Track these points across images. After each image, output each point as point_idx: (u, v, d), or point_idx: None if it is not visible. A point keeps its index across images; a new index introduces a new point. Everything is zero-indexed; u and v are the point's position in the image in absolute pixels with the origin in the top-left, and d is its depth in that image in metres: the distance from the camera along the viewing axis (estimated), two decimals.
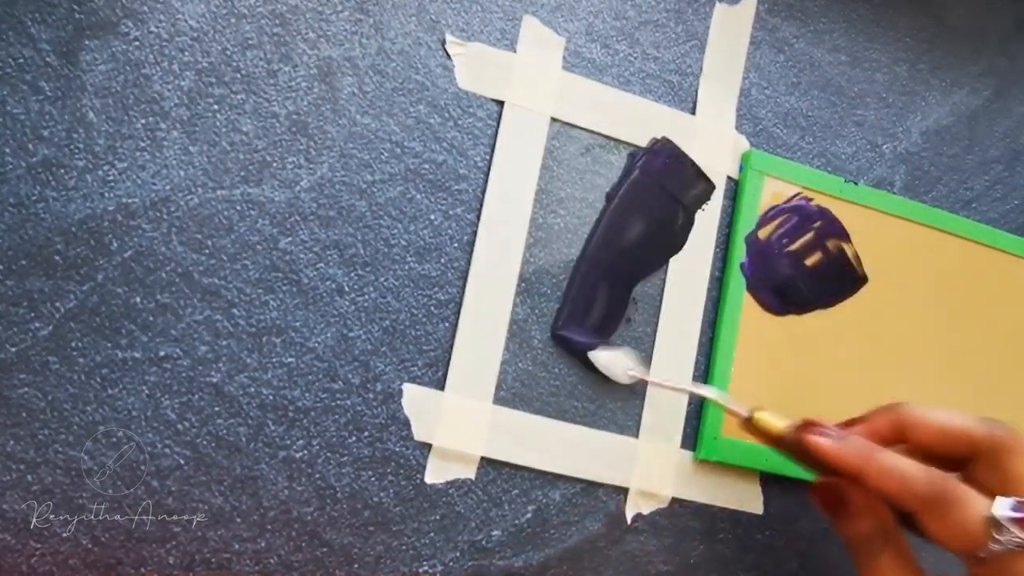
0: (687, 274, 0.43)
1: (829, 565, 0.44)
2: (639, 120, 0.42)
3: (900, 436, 0.36)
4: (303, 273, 0.37)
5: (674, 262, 0.42)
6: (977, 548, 0.32)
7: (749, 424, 0.37)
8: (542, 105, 0.41)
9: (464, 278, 0.39)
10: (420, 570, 0.38)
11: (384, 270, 0.38)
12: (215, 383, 0.36)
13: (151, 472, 0.35)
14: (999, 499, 0.32)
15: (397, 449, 0.38)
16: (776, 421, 0.37)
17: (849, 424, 0.37)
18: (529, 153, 0.40)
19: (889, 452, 0.35)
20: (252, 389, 0.37)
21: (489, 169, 0.40)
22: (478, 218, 0.40)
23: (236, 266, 0.37)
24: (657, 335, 0.42)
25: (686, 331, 0.42)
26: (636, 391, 0.41)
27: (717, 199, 0.43)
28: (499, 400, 0.39)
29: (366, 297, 0.38)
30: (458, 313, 0.39)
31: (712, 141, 0.43)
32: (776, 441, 0.37)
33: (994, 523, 0.31)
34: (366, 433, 0.38)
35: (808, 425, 0.36)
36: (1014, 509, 0.32)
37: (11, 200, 0.34)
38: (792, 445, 0.36)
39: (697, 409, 0.42)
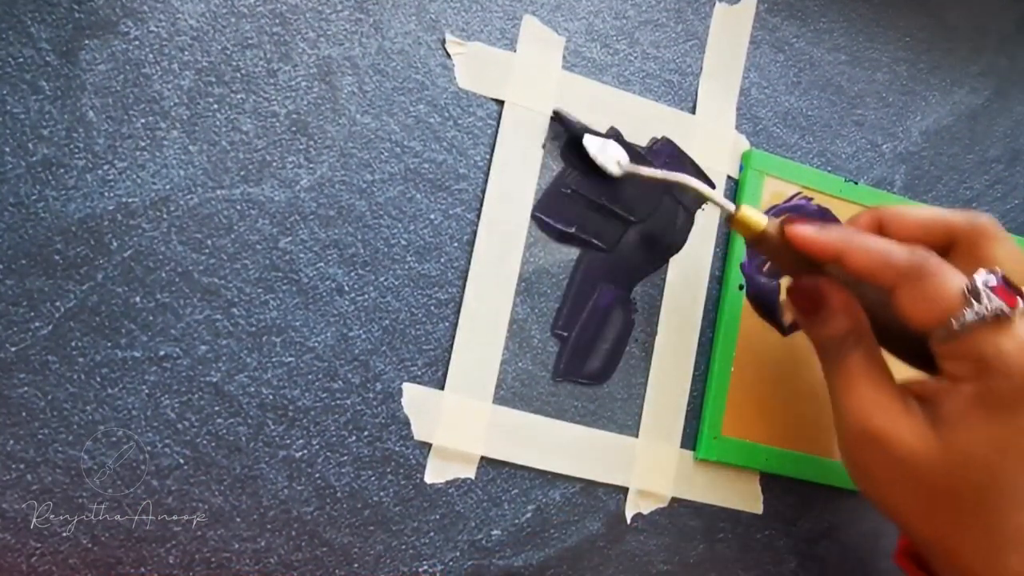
0: (687, 274, 0.43)
1: (829, 565, 0.44)
2: (639, 119, 0.42)
3: (881, 230, 0.36)
4: (303, 272, 0.37)
5: (674, 262, 0.42)
6: (951, 316, 0.31)
7: (734, 221, 0.37)
8: (542, 104, 0.41)
9: (464, 278, 0.39)
10: (420, 569, 0.38)
11: (384, 269, 0.38)
12: (215, 383, 0.36)
13: (151, 472, 0.35)
14: (980, 270, 0.32)
15: (397, 449, 0.38)
16: (759, 217, 0.37)
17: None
18: (529, 152, 0.40)
19: (870, 235, 0.35)
20: (252, 388, 0.37)
21: (489, 168, 0.40)
22: (478, 217, 0.40)
23: (236, 265, 0.37)
24: (657, 335, 0.42)
25: (686, 331, 0.42)
26: (633, 385, 0.41)
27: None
28: (499, 400, 0.39)
29: (366, 296, 0.38)
30: (458, 313, 0.39)
31: (712, 140, 0.43)
32: (759, 237, 0.37)
33: (972, 292, 0.31)
34: (366, 433, 0.38)
35: (790, 218, 0.36)
36: (993, 275, 0.32)
37: (11, 199, 0.34)
38: (774, 240, 0.36)
39: (697, 409, 0.42)
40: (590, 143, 0.40)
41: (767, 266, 0.43)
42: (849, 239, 0.34)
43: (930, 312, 0.32)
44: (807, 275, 0.37)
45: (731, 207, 0.37)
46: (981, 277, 0.32)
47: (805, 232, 0.35)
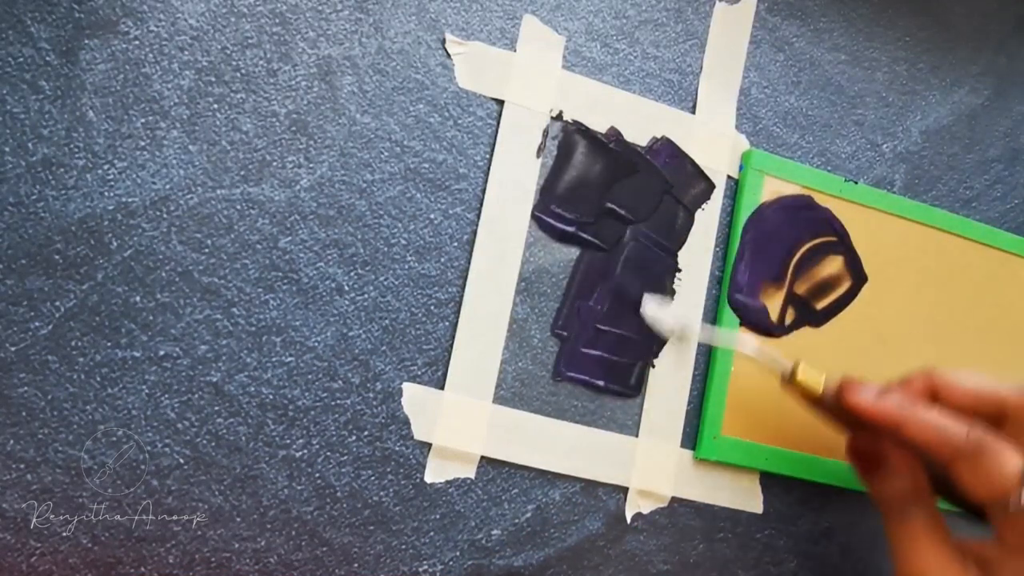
0: (687, 273, 0.43)
1: (829, 565, 0.44)
2: (639, 119, 0.42)
3: (934, 398, 0.37)
4: (303, 272, 0.37)
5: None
6: (1009, 496, 0.32)
7: (790, 383, 0.38)
8: (542, 104, 0.41)
9: (464, 277, 0.39)
10: (420, 569, 0.38)
11: (384, 269, 0.38)
12: (215, 382, 0.36)
13: (151, 471, 0.35)
14: None
15: (397, 448, 0.38)
16: (816, 379, 0.37)
17: (885, 388, 0.37)
18: (529, 152, 0.40)
19: (927, 406, 0.35)
20: (252, 388, 0.37)
21: (489, 168, 0.40)
22: (478, 217, 0.40)
23: (236, 265, 0.37)
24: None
25: (685, 330, 0.42)
26: (632, 396, 0.41)
27: (717, 198, 0.43)
28: (499, 399, 0.39)
29: (366, 296, 0.38)
30: (458, 312, 0.39)
31: (712, 140, 0.43)
32: (816, 401, 0.37)
33: None
34: (366, 432, 0.38)
35: (848, 383, 0.37)
36: None
37: (11, 199, 0.34)
38: (831, 404, 0.37)
39: (697, 408, 0.42)
40: (648, 307, 0.41)
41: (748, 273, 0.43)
42: (906, 411, 0.35)
43: (988, 489, 0.33)
44: (863, 432, 0.38)
45: (787, 367, 0.38)
46: None
47: (863, 401, 0.36)
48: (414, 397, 0.38)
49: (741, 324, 0.43)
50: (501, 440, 0.39)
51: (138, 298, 0.35)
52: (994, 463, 0.33)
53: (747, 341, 0.39)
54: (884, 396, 0.36)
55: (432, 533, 0.38)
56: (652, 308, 0.40)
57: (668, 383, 0.42)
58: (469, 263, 0.39)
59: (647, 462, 0.41)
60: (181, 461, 0.36)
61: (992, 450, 0.33)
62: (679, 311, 0.41)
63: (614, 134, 0.42)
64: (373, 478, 0.38)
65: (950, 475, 0.34)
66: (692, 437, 0.42)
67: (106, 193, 0.35)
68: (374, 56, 0.39)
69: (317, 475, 0.37)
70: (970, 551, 0.35)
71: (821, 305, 0.44)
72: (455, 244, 0.39)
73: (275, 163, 0.37)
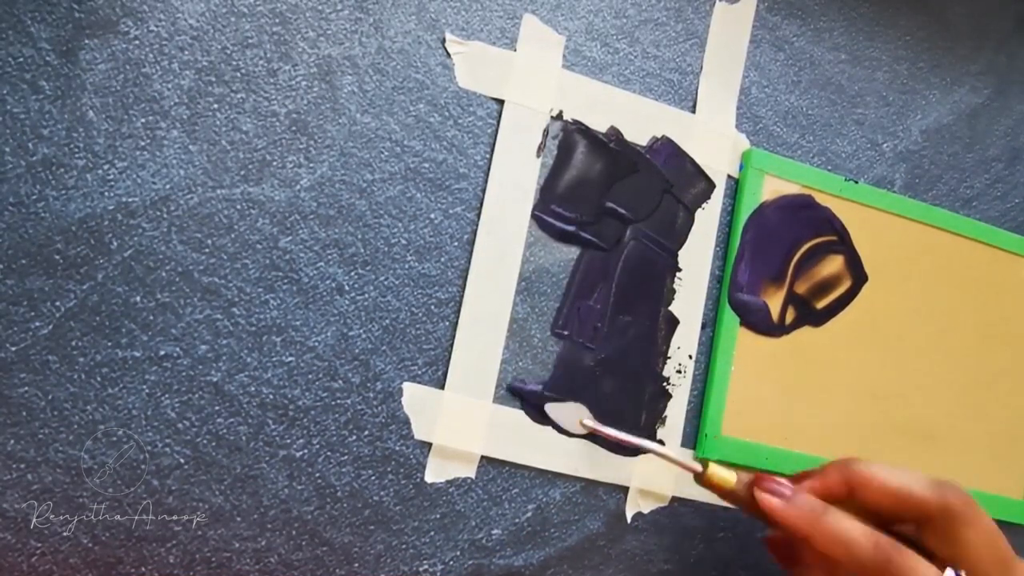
0: (687, 273, 0.43)
1: None
2: (639, 119, 0.42)
3: (851, 493, 0.36)
4: (303, 272, 0.37)
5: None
6: None
7: (703, 478, 0.37)
8: (542, 104, 0.41)
9: (464, 277, 0.39)
10: (420, 569, 0.38)
11: (384, 269, 0.38)
12: (215, 382, 0.36)
13: (151, 471, 0.35)
14: (948, 571, 0.32)
15: (397, 448, 0.38)
16: (728, 475, 0.36)
17: (801, 477, 0.37)
18: (529, 152, 0.40)
19: (837, 514, 0.34)
20: (252, 388, 0.37)
21: (489, 168, 0.40)
22: (478, 217, 0.40)
23: (236, 265, 0.37)
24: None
25: (686, 330, 0.42)
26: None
27: (717, 197, 0.43)
28: (499, 399, 0.39)
29: (366, 296, 0.38)
30: (458, 312, 0.39)
31: (712, 140, 0.43)
32: (729, 495, 0.37)
33: None
34: (366, 432, 0.38)
35: (759, 480, 0.36)
36: None
37: (11, 199, 0.34)
38: (745, 499, 0.36)
39: (697, 408, 0.42)
40: (551, 410, 0.40)
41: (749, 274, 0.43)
42: (814, 521, 0.34)
43: None
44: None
45: (698, 467, 0.37)
46: None
47: (773, 506, 0.35)
48: (414, 397, 0.38)
49: (741, 323, 0.43)
50: (501, 440, 0.39)
51: (138, 298, 0.35)
52: None
53: (654, 444, 0.38)
54: (793, 501, 0.35)
55: (432, 533, 0.38)
56: (555, 411, 0.40)
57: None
58: (469, 263, 0.39)
59: (647, 462, 0.41)
60: (181, 461, 0.36)
61: (901, 569, 0.32)
62: (580, 412, 0.40)
63: (614, 133, 0.42)
64: (373, 478, 0.38)
65: None
66: (692, 436, 0.42)
67: (106, 193, 0.35)
68: (374, 56, 0.39)
69: (317, 475, 0.37)
70: None
71: (821, 304, 0.44)
72: (455, 244, 0.39)
73: (275, 163, 0.37)
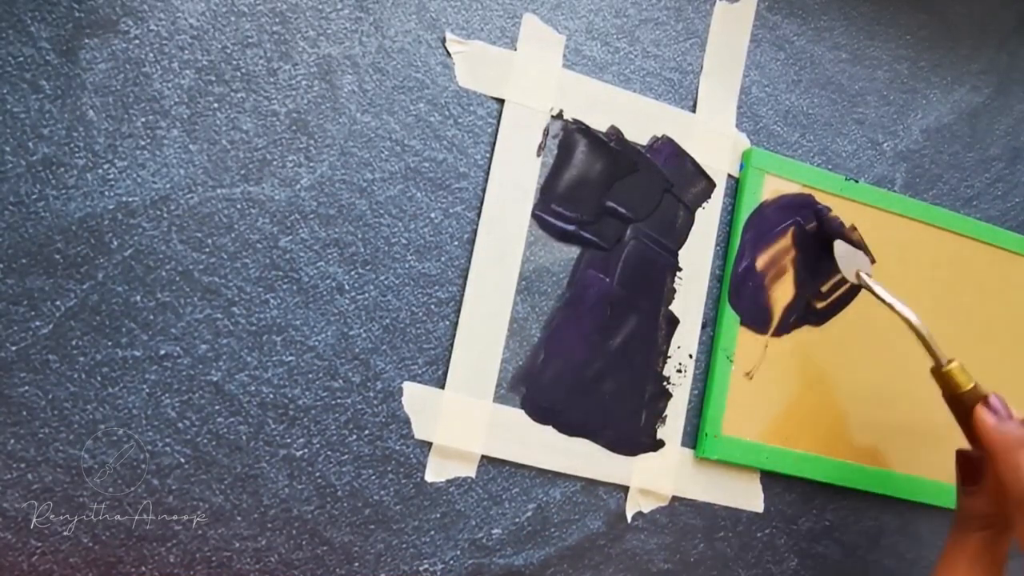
0: (688, 272, 0.43)
1: (829, 563, 0.44)
2: (639, 118, 0.42)
3: None
4: (303, 271, 0.37)
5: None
6: None
7: (938, 373, 0.38)
8: (542, 103, 0.41)
9: (464, 276, 0.39)
10: (420, 568, 0.38)
11: (384, 268, 0.38)
12: (215, 382, 0.36)
13: (151, 471, 0.35)
14: None
15: (397, 447, 0.38)
16: (966, 379, 0.38)
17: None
18: (529, 151, 0.40)
19: None
20: (252, 388, 0.37)
21: (489, 167, 0.40)
22: (478, 216, 0.40)
23: (236, 264, 0.37)
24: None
25: (686, 329, 0.42)
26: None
27: (718, 197, 0.43)
28: (499, 398, 0.39)
29: (366, 295, 0.38)
30: (458, 311, 0.39)
31: (712, 139, 0.43)
32: (955, 398, 0.38)
33: None
34: (366, 431, 0.38)
35: (990, 397, 0.37)
36: None
37: (11, 198, 0.34)
38: (966, 408, 0.37)
39: (697, 408, 0.42)
40: (839, 247, 0.42)
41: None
42: (1012, 449, 0.35)
43: None
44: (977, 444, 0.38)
45: (944, 360, 0.38)
46: None
47: (986, 421, 0.36)
48: (414, 396, 0.38)
49: (742, 323, 0.43)
50: (501, 439, 0.39)
51: (138, 297, 0.35)
52: None
53: (915, 317, 0.39)
54: (1003, 426, 0.36)
55: (433, 532, 0.38)
56: (841, 251, 0.42)
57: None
58: (469, 262, 0.39)
59: (648, 461, 0.41)
60: (182, 460, 0.36)
61: None
62: (861, 260, 0.42)
63: (614, 133, 0.42)
64: (374, 477, 0.38)
65: (1014, 522, 0.34)
66: (693, 436, 0.42)
67: (106, 192, 0.35)
68: (374, 55, 0.39)
69: (318, 474, 0.37)
70: None
71: (822, 305, 0.44)
72: (455, 243, 0.39)
73: (275, 162, 0.37)
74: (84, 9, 0.35)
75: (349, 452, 0.38)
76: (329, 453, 0.37)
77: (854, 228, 0.44)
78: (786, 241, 0.44)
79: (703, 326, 0.43)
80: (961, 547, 0.37)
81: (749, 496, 0.43)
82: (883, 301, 0.40)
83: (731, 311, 0.43)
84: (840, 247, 0.42)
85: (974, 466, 0.38)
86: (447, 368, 0.39)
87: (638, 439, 0.41)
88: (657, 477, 0.41)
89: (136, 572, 0.35)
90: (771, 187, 0.44)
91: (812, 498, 0.44)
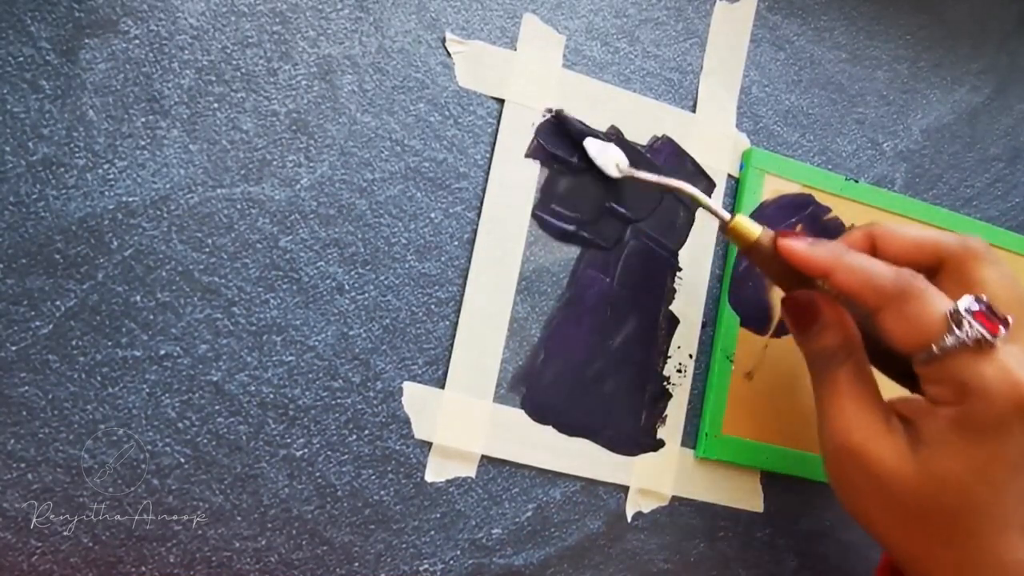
0: (688, 272, 0.43)
1: (829, 563, 0.44)
2: (639, 118, 0.42)
3: (872, 248, 0.36)
4: (303, 271, 0.37)
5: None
6: (932, 340, 0.31)
7: (728, 229, 0.37)
8: (542, 103, 0.41)
9: (464, 276, 0.39)
10: (420, 568, 0.38)
11: (384, 268, 0.38)
12: (215, 381, 0.36)
13: (151, 471, 0.35)
14: (965, 296, 0.32)
15: (397, 447, 0.38)
16: (753, 227, 0.37)
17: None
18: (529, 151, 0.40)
19: (859, 253, 0.34)
20: (252, 387, 0.37)
21: (489, 167, 0.40)
22: (478, 216, 0.40)
23: (236, 264, 0.37)
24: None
25: (686, 329, 0.42)
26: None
27: (718, 197, 0.43)
28: (499, 398, 0.39)
29: (366, 295, 0.38)
30: (458, 311, 0.39)
31: (712, 139, 0.43)
32: (752, 247, 0.37)
33: (954, 317, 0.31)
34: (366, 431, 0.38)
35: (783, 231, 0.36)
36: (976, 301, 0.31)
37: (11, 199, 0.34)
38: (767, 251, 0.36)
39: (698, 407, 0.42)
40: (591, 145, 0.40)
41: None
42: (838, 257, 0.34)
43: (912, 335, 0.32)
44: (799, 288, 0.37)
45: (726, 215, 0.38)
46: (964, 303, 0.31)
47: (795, 247, 0.35)
48: (414, 396, 0.38)
49: (742, 323, 0.43)
50: (502, 439, 0.39)
51: (138, 297, 0.35)
52: (919, 307, 0.32)
53: (687, 185, 0.38)
54: (816, 244, 0.35)
55: (433, 532, 0.38)
56: (595, 150, 0.40)
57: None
58: (469, 262, 0.39)
59: (648, 461, 0.41)
60: (181, 460, 0.36)
61: (918, 293, 0.32)
62: (617, 154, 0.40)
63: (614, 133, 0.42)
64: (374, 477, 0.38)
65: (877, 324, 0.33)
66: (692, 435, 0.42)
67: (106, 192, 0.35)
68: (374, 55, 0.39)
69: (318, 474, 0.37)
70: (896, 408, 0.34)
71: None
72: (455, 243, 0.39)
73: (275, 162, 0.37)
74: (84, 9, 0.35)
75: (349, 452, 0.38)
76: (329, 453, 0.37)
77: (854, 227, 0.44)
78: None
79: (703, 326, 0.43)
80: (833, 390, 0.35)
81: (749, 496, 0.43)
82: (651, 183, 0.39)
83: (731, 311, 0.43)
84: (592, 145, 0.40)
85: (806, 305, 0.37)
86: (447, 368, 0.39)
87: (638, 439, 0.41)
88: (657, 477, 0.41)
89: (136, 572, 0.35)
90: (771, 187, 0.44)
91: (812, 498, 0.44)
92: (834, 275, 0.34)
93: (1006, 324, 0.31)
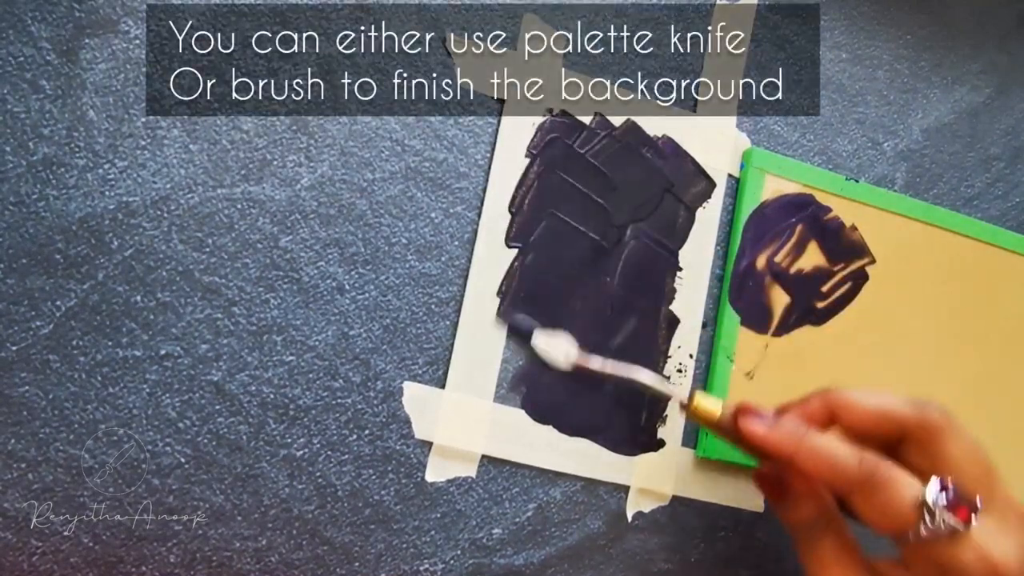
0: (688, 272, 0.43)
1: None
2: (640, 118, 0.42)
3: (833, 419, 0.36)
4: (303, 271, 0.37)
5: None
6: (907, 530, 0.32)
7: (688, 409, 0.37)
8: (543, 102, 0.41)
9: (465, 276, 0.39)
10: (421, 568, 0.38)
11: (385, 268, 0.38)
12: (216, 381, 0.36)
13: (152, 471, 0.35)
14: (931, 481, 0.32)
15: (398, 447, 0.38)
16: (713, 406, 0.36)
17: (783, 409, 0.37)
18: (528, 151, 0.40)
19: (821, 434, 0.34)
20: (253, 387, 0.37)
21: (490, 167, 0.40)
22: (479, 216, 0.40)
23: (236, 264, 0.37)
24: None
25: (687, 329, 0.42)
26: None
27: (718, 197, 0.43)
28: (500, 398, 0.39)
29: (366, 295, 0.38)
30: (459, 311, 0.39)
31: (713, 138, 0.43)
32: (715, 425, 0.36)
33: (925, 507, 0.31)
34: (367, 431, 0.38)
35: (742, 410, 0.36)
36: (943, 492, 0.32)
37: (11, 199, 0.34)
38: (729, 429, 0.36)
39: None
40: (538, 339, 0.39)
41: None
42: (798, 442, 0.34)
43: (886, 523, 0.32)
44: (767, 459, 0.37)
45: (683, 397, 0.37)
46: (931, 494, 0.31)
47: (756, 431, 0.35)
48: (415, 396, 0.38)
49: (742, 323, 0.43)
50: (502, 439, 0.39)
51: (139, 297, 0.35)
52: (887, 494, 0.32)
53: (644, 372, 0.38)
54: (776, 425, 0.35)
55: (433, 532, 0.38)
56: (542, 341, 0.39)
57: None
58: (470, 262, 0.39)
59: (648, 461, 0.41)
60: (182, 460, 0.36)
61: (884, 480, 0.32)
62: (566, 344, 0.39)
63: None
64: (374, 477, 0.38)
65: (848, 507, 0.33)
66: (693, 435, 0.42)
67: (107, 192, 0.35)
68: (374, 55, 0.39)
69: (318, 474, 0.37)
70: (881, 572, 0.34)
71: (822, 304, 0.44)
72: (456, 243, 0.39)
73: (276, 162, 0.37)
74: (84, 9, 0.35)
75: (349, 452, 0.38)
76: (329, 453, 0.37)
77: (854, 228, 0.44)
78: (787, 240, 0.44)
79: (703, 326, 0.43)
80: (819, 561, 0.35)
81: (749, 496, 0.43)
82: (603, 374, 0.38)
83: (731, 311, 0.43)
84: (540, 338, 0.39)
85: (775, 481, 0.37)
86: (447, 368, 0.39)
87: (638, 439, 0.41)
88: (657, 477, 0.41)
89: (136, 572, 0.35)
90: (771, 187, 0.44)
91: None
92: (797, 462, 0.34)
93: (975, 509, 0.32)
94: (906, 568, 0.33)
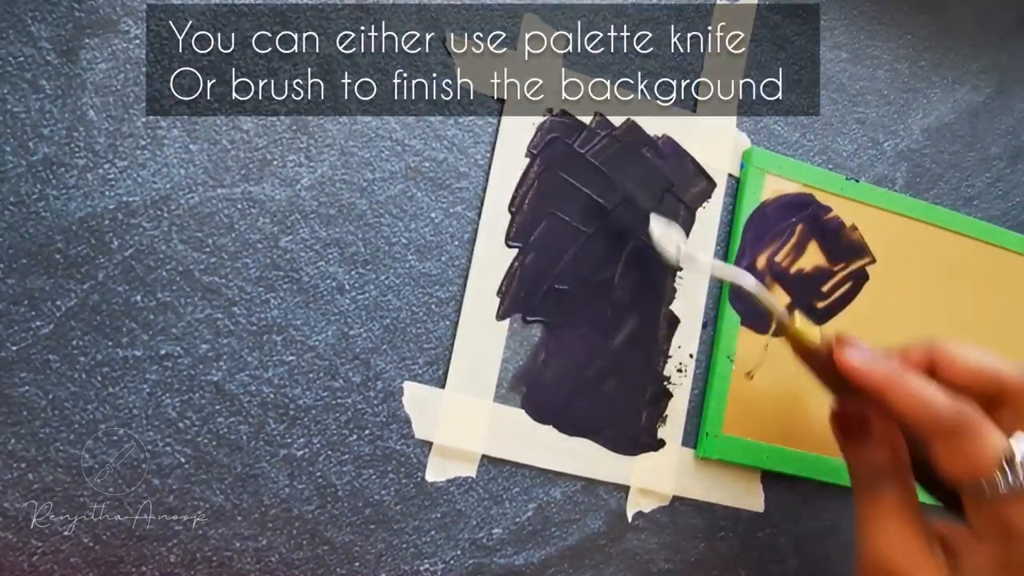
0: (688, 272, 0.42)
1: (829, 563, 0.44)
2: (640, 118, 0.42)
3: (932, 372, 0.35)
4: (304, 271, 0.37)
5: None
6: (984, 479, 0.31)
7: (784, 330, 0.36)
8: (543, 102, 0.41)
9: (465, 276, 0.39)
10: (421, 568, 0.38)
11: (385, 268, 0.38)
12: (216, 381, 0.36)
13: (152, 470, 0.35)
14: (1019, 435, 0.31)
15: (398, 447, 0.38)
16: (813, 332, 0.36)
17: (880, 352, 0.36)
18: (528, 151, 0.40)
19: (918, 376, 0.33)
20: (253, 387, 0.37)
21: (490, 167, 0.40)
22: (479, 216, 0.40)
23: (237, 264, 0.37)
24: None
25: (687, 329, 0.42)
26: None
27: (718, 197, 0.43)
28: (500, 398, 0.39)
29: (367, 295, 0.38)
30: (459, 311, 0.39)
31: (713, 138, 0.43)
32: (808, 353, 0.36)
33: (1008, 461, 0.31)
34: (367, 431, 0.38)
35: (842, 340, 0.35)
36: None
37: (11, 199, 0.34)
38: (823, 361, 0.35)
39: (698, 407, 0.42)
40: (655, 226, 0.40)
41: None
42: (895, 378, 0.33)
43: (964, 471, 0.31)
44: (851, 395, 0.36)
45: (786, 317, 0.37)
46: (1021, 447, 0.31)
47: (853, 362, 0.34)
48: (415, 396, 0.38)
49: (742, 323, 0.43)
50: (502, 439, 0.39)
51: (139, 297, 0.35)
52: (975, 443, 0.31)
53: (748, 278, 0.37)
54: (876, 360, 0.34)
55: (433, 532, 0.38)
56: (660, 229, 0.39)
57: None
58: (470, 262, 0.39)
59: (648, 461, 0.41)
60: (182, 460, 0.36)
61: (975, 429, 0.31)
62: (682, 237, 0.39)
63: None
64: (374, 477, 0.38)
65: (929, 452, 0.33)
66: (693, 435, 0.42)
67: (107, 192, 0.35)
68: (374, 55, 0.39)
69: (318, 474, 0.37)
70: (939, 534, 0.34)
71: (822, 304, 0.44)
72: (456, 243, 0.39)
73: (276, 162, 0.37)
74: (84, 9, 0.35)
75: (349, 452, 0.38)
76: (329, 453, 0.37)
77: (854, 228, 0.44)
78: (788, 240, 0.44)
79: (703, 326, 0.43)
80: (878, 509, 0.34)
81: (750, 496, 0.43)
82: (712, 274, 0.37)
83: (732, 311, 0.43)
84: (656, 222, 0.39)
85: (856, 419, 0.36)
86: (447, 368, 0.39)
87: (638, 439, 0.41)
88: (658, 477, 0.41)
89: (136, 572, 0.35)
90: (772, 187, 0.44)
91: (813, 498, 0.44)
92: (889, 396, 0.33)
93: None
94: (968, 530, 0.32)
